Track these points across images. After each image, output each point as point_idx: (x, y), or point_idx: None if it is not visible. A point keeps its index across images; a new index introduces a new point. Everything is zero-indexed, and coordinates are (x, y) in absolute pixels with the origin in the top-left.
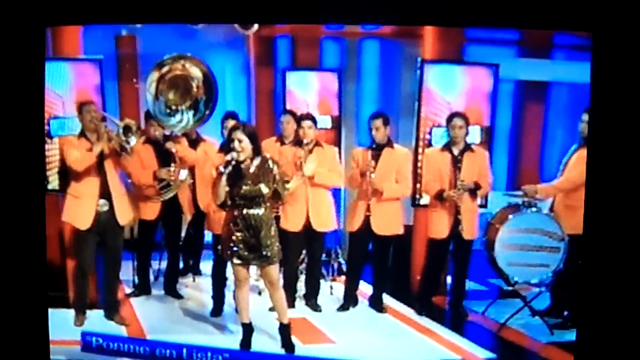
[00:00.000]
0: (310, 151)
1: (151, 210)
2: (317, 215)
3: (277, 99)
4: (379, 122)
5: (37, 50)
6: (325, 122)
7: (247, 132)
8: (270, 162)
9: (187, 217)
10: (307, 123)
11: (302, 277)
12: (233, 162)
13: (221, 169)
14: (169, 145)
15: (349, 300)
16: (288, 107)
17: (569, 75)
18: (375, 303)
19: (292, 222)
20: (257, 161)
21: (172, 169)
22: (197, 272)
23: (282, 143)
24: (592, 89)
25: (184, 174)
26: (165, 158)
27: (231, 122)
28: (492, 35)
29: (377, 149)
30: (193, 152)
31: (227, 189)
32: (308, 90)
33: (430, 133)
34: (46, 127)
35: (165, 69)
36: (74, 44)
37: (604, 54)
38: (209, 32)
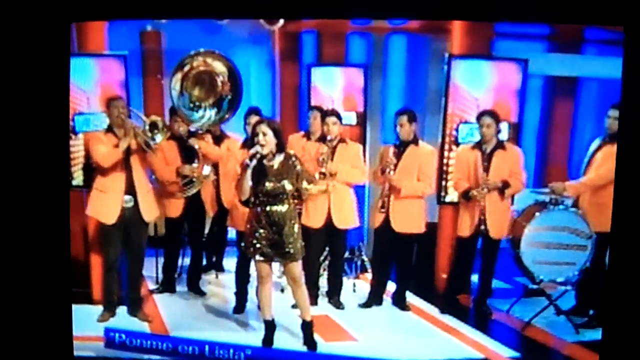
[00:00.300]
0: (335, 147)
1: (175, 207)
2: (338, 212)
3: (302, 94)
4: (404, 119)
5: (62, 46)
6: (350, 118)
7: (271, 127)
8: (293, 159)
9: (210, 213)
10: (331, 119)
11: (325, 275)
12: (258, 156)
13: (247, 161)
14: (193, 141)
15: (374, 298)
16: (313, 103)
17: (600, 71)
18: (399, 301)
19: (314, 219)
20: (280, 158)
21: (195, 165)
22: (220, 268)
23: (309, 139)
24: (623, 84)
25: (207, 169)
26: (188, 154)
27: (254, 118)
28: (521, 30)
29: (401, 146)
30: (216, 148)
31: (250, 184)
32: (333, 86)
33: (457, 130)
34: (71, 123)
35: (190, 65)
36: (98, 40)
37: (635, 48)
38: (234, 27)
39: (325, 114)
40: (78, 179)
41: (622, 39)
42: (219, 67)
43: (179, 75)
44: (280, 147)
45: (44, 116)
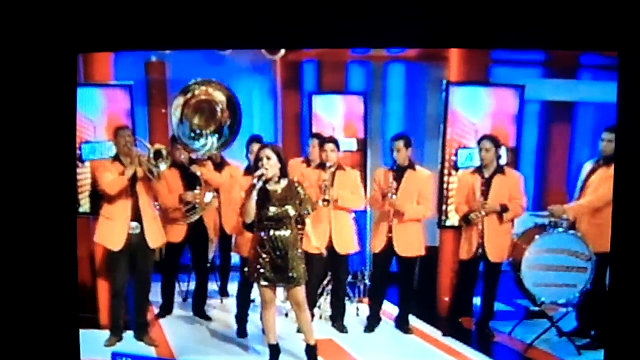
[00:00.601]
0: (333, 174)
1: (177, 233)
2: (339, 237)
3: (304, 122)
4: (400, 144)
5: (69, 76)
6: (351, 144)
7: (275, 151)
8: (297, 185)
9: (213, 239)
10: (329, 146)
11: (328, 299)
12: (263, 178)
13: (254, 181)
14: (194, 168)
15: (372, 320)
16: (314, 130)
17: (595, 95)
18: (401, 324)
19: (316, 244)
20: (284, 183)
21: (197, 192)
22: (224, 293)
23: (308, 165)
24: (618, 108)
25: (209, 196)
26: (190, 181)
27: (256, 146)
28: (517, 56)
29: (398, 171)
30: (218, 175)
31: (255, 208)
32: (334, 114)
33: (456, 154)
34: (78, 152)
35: (189, 94)
36: (104, 70)
37: (630, 73)
38: (236, 57)
39: (323, 141)
40: (85, 205)
41: (616, 63)
42: (218, 95)
43: (180, 100)
44: (284, 172)
45: (52, 145)
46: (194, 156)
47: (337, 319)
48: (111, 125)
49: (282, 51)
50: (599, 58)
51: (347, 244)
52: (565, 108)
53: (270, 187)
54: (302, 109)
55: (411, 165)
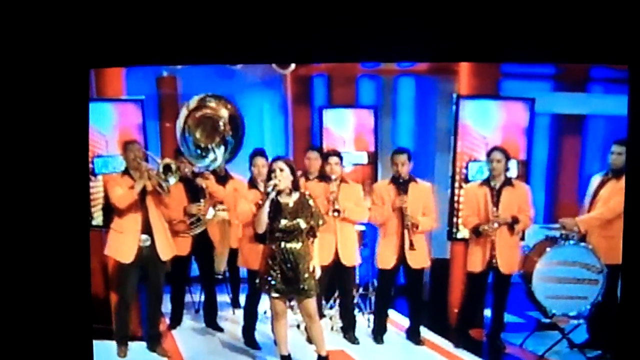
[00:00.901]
0: (338, 187)
1: (183, 245)
2: (344, 249)
3: (314, 136)
4: (404, 158)
5: (82, 91)
6: (361, 158)
7: (288, 164)
8: (308, 198)
9: (224, 252)
10: (334, 159)
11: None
12: (277, 189)
13: (268, 189)
14: (199, 181)
15: (378, 331)
16: (325, 144)
17: (606, 108)
18: (413, 335)
19: (322, 256)
20: (295, 196)
21: (202, 204)
22: (236, 305)
23: (307, 179)
24: (629, 120)
25: (211, 213)
26: (194, 194)
27: (260, 159)
28: (527, 69)
29: (402, 184)
30: (222, 188)
31: (267, 220)
32: (344, 127)
33: (466, 167)
34: (90, 166)
35: (192, 109)
36: (116, 85)
37: None
38: (247, 72)
39: (327, 154)
40: (98, 219)
41: (626, 77)
42: (221, 110)
43: (184, 114)
44: (296, 185)
45: (65, 159)
46: (197, 169)
47: (348, 330)
48: (122, 140)
49: (293, 65)
50: (610, 71)
51: (352, 256)
52: (576, 121)
53: (282, 199)
54: (312, 123)
55: (412, 179)
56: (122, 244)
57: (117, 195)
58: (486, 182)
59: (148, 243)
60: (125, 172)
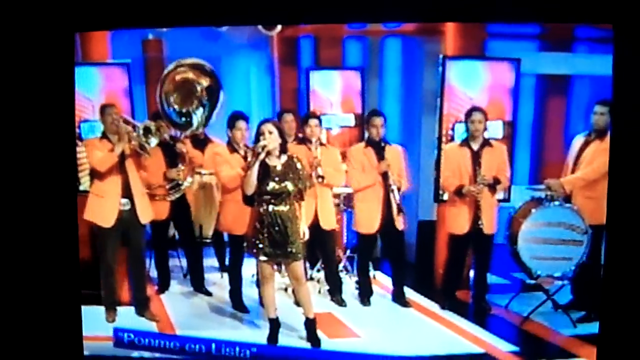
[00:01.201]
0: (316, 150)
1: (161, 210)
2: (323, 213)
3: (301, 98)
4: (381, 120)
5: (67, 55)
6: (348, 120)
7: (276, 126)
8: (295, 160)
9: (204, 216)
10: (314, 122)
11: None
12: (266, 149)
13: (258, 150)
14: (179, 146)
15: (364, 294)
16: (312, 106)
17: (591, 68)
18: (398, 298)
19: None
20: (283, 159)
21: (181, 169)
22: (224, 269)
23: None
24: (613, 81)
25: (188, 180)
26: (173, 159)
27: (242, 123)
28: (513, 30)
29: (377, 147)
30: (200, 154)
31: (256, 183)
32: (331, 89)
33: (453, 129)
34: (77, 130)
35: (169, 73)
36: (102, 49)
37: (625, 45)
38: (233, 34)
39: (306, 116)
40: (85, 184)
41: (611, 36)
42: (197, 74)
43: (163, 79)
44: (284, 147)
45: (51, 124)
46: (175, 133)
47: (334, 293)
48: (101, 104)
49: (279, 27)
50: (594, 31)
51: (330, 220)
52: (561, 81)
53: (271, 162)
54: (299, 85)
55: (386, 142)
56: (102, 208)
57: (96, 158)
58: (466, 143)
59: (128, 207)
60: (104, 136)
